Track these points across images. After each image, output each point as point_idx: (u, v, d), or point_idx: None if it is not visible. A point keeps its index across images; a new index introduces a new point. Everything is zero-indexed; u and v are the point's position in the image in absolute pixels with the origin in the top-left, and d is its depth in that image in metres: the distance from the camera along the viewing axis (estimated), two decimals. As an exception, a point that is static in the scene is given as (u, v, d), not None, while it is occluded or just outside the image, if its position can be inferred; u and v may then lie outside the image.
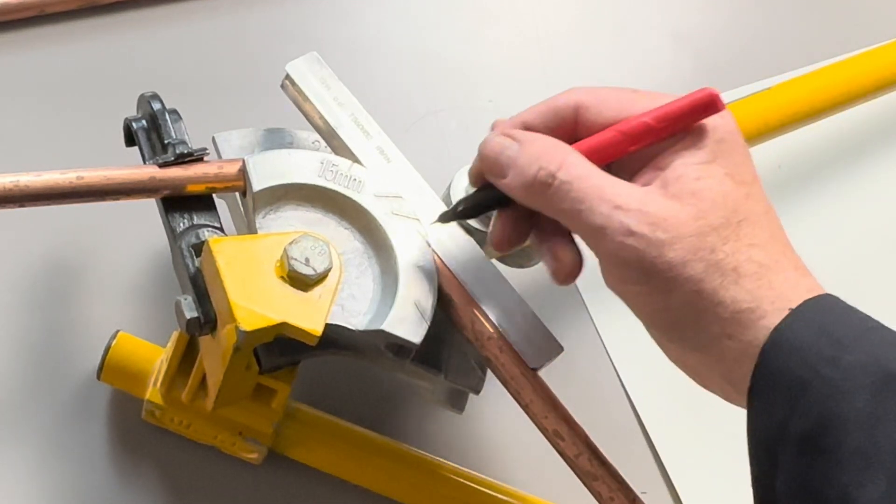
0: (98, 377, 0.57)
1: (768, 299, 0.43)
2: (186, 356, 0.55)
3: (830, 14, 0.81)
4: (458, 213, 0.50)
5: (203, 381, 0.54)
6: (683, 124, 0.46)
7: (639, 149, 0.46)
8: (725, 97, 0.70)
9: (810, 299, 0.43)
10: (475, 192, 0.50)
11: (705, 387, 0.47)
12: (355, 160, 0.54)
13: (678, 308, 0.44)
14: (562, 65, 0.76)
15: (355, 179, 0.53)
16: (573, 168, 0.45)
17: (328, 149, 0.56)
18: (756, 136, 0.66)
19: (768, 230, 0.45)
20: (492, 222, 0.50)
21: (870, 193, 0.74)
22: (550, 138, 0.47)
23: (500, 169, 0.47)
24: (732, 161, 0.46)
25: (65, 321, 0.61)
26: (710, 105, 0.46)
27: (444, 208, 0.54)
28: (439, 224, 0.51)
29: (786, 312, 0.43)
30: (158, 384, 0.55)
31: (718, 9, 0.81)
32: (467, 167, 0.56)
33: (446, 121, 0.72)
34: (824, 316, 0.43)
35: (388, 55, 0.74)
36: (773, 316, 0.43)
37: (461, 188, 0.55)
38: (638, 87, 0.76)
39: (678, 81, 0.77)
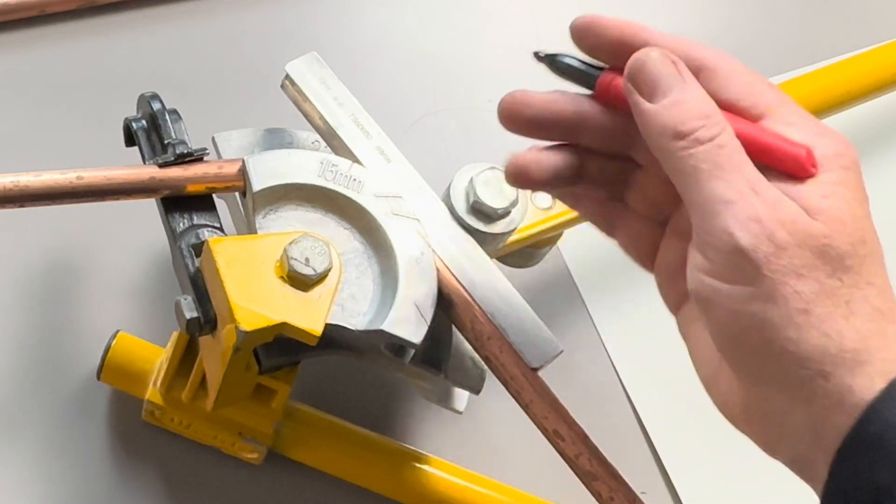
0: (98, 377, 0.57)
1: (877, 348, 0.38)
2: (186, 356, 0.55)
3: (830, 14, 0.81)
4: (552, 57, 0.45)
5: (203, 381, 0.54)
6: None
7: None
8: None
9: None
10: (590, 64, 0.44)
11: (772, 450, 0.41)
12: (355, 160, 0.54)
13: (777, 326, 0.38)
14: (562, 65, 0.76)
15: (355, 179, 0.53)
16: (730, 138, 0.40)
17: (328, 149, 0.56)
18: (756, 136, 0.66)
19: (884, 274, 0.41)
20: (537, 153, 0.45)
21: (870, 193, 0.74)
22: (708, 97, 0.42)
23: (653, 90, 0.41)
24: (859, 189, 0.42)
25: (65, 321, 0.61)
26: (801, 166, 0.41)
27: (444, 209, 0.54)
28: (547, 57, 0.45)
29: None
30: (158, 384, 0.55)
31: (718, 9, 0.81)
32: (467, 167, 0.56)
33: (446, 121, 0.72)
34: None
35: (388, 55, 0.74)
36: (879, 366, 0.38)
37: (461, 188, 0.55)
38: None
39: (678, 81, 0.77)
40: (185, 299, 0.50)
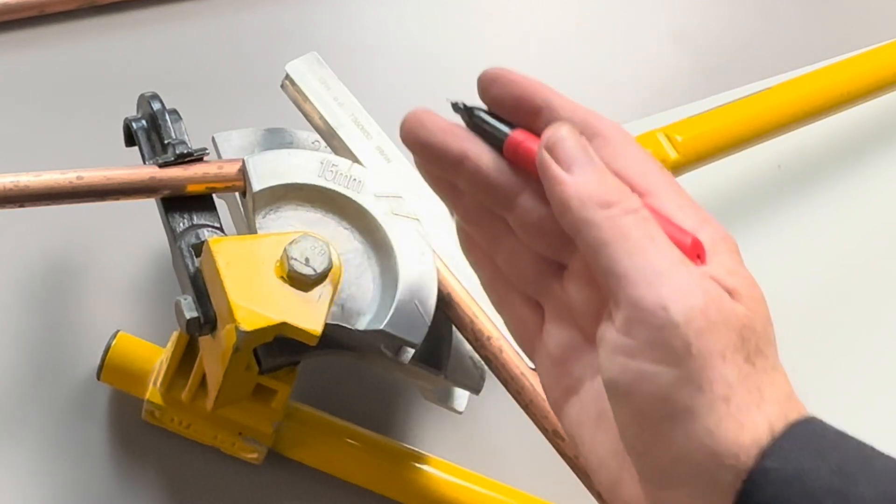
0: (98, 377, 0.57)
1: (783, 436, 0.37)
2: (186, 356, 0.55)
3: (830, 14, 0.81)
4: (469, 110, 0.43)
5: (203, 381, 0.54)
6: None
7: None
8: (725, 97, 0.70)
9: (799, 421, 0.37)
10: (502, 119, 0.43)
11: None
12: (355, 160, 0.54)
13: (698, 415, 0.36)
14: (562, 65, 0.76)
15: (355, 179, 0.53)
16: (649, 213, 0.39)
17: (328, 149, 0.56)
18: (756, 136, 0.66)
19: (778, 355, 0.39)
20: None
21: (870, 193, 0.74)
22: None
23: (571, 162, 0.39)
24: (749, 273, 0.40)
25: (65, 321, 0.61)
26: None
27: (444, 208, 0.54)
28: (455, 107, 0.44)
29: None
30: (158, 384, 0.55)
31: (718, 9, 0.81)
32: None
33: (446, 121, 0.72)
34: (819, 441, 0.37)
35: (388, 55, 0.74)
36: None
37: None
38: (638, 88, 0.76)
39: (678, 81, 0.77)
40: (185, 299, 0.50)
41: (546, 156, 0.40)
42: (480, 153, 0.42)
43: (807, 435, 0.37)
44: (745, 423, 0.36)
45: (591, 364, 0.41)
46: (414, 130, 0.43)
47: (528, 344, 0.44)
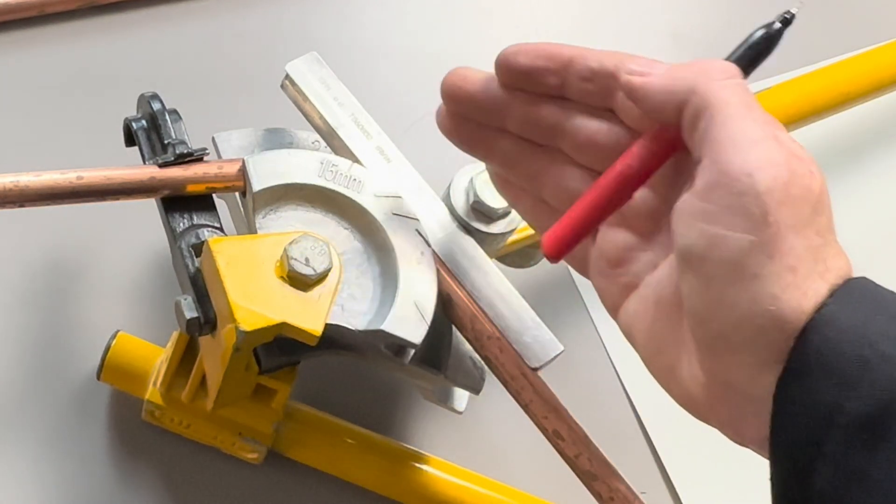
0: (98, 377, 0.57)
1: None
2: (186, 356, 0.55)
3: (830, 14, 0.81)
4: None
5: (203, 381, 0.54)
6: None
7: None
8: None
9: (854, 278, 0.39)
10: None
11: (740, 433, 0.40)
12: (355, 160, 0.54)
13: (766, 282, 0.37)
14: (562, 65, 0.76)
15: (355, 179, 0.53)
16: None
17: (328, 149, 0.56)
18: (756, 136, 0.66)
19: None
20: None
21: (870, 193, 0.74)
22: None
23: (640, 65, 0.42)
24: None
25: (65, 321, 0.61)
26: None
27: (444, 209, 0.54)
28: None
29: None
30: (158, 384, 0.55)
31: (718, 9, 0.81)
32: (467, 167, 0.56)
33: (446, 121, 0.72)
34: (874, 293, 0.39)
35: (388, 55, 0.74)
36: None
37: (461, 188, 0.55)
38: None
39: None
40: (185, 299, 0.50)
41: (626, 77, 0.42)
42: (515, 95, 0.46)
43: (861, 289, 0.38)
44: (808, 291, 0.37)
45: (649, 260, 0.44)
46: (457, 84, 0.47)
47: (581, 259, 0.46)
